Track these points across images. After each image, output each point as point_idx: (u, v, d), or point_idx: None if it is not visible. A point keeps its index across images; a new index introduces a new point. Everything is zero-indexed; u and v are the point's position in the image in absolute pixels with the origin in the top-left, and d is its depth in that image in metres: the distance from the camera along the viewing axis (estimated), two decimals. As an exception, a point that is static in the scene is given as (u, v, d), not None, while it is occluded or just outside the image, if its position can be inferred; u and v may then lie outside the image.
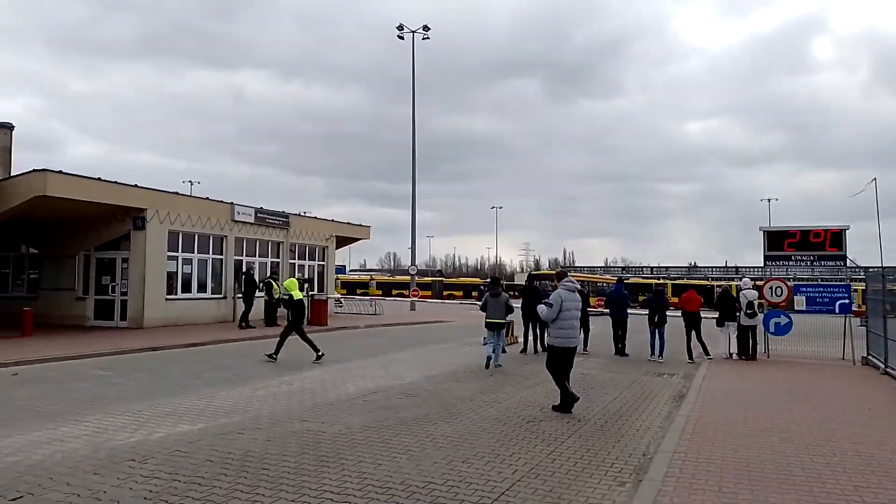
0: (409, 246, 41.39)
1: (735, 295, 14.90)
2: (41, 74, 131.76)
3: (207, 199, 20.74)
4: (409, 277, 43.02)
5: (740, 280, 16.50)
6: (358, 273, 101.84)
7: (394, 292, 67.90)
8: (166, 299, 18.73)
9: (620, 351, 15.35)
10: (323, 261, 26.57)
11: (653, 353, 14.76)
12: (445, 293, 73.00)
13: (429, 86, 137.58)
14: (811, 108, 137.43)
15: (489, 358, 12.49)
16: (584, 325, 15.88)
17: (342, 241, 28.97)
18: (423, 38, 40.43)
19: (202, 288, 20.35)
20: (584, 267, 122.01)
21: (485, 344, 15.84)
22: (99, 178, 16.73)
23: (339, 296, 43.50)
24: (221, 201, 21.07)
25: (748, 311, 14.24)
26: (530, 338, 15.81)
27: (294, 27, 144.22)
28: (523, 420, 7.78)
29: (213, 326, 19.07)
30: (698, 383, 10.84)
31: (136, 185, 17.97)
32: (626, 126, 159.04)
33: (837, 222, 15.77)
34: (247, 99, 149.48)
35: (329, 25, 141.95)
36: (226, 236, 21.03)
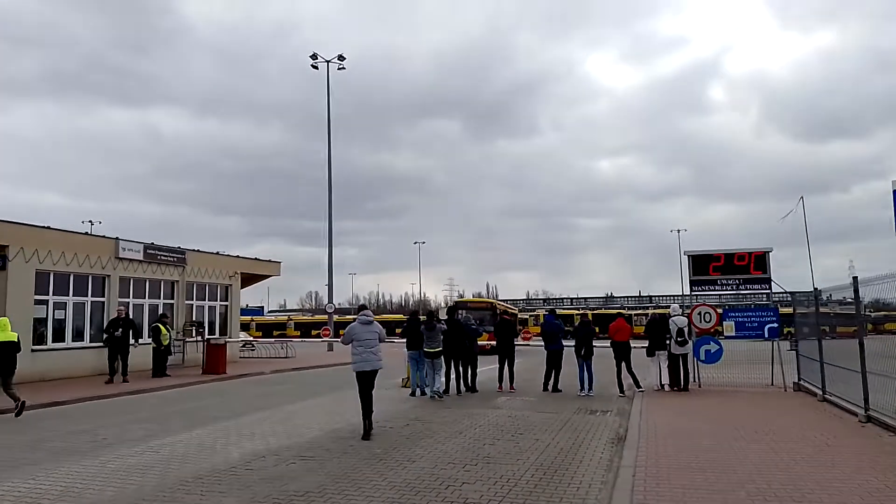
0: (328, 285, 39.42)
1: (663, 322, 14.14)
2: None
3: (87, 234, 18.43)
4: (325, 317, 40.93)
5: (655, 308, 15.51)
6: (277, 314, 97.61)
7: (313, 332, 65.01)
8: (32, 350, 16.12)
9: (553, 387, 14.20)
10: (226, 301, 24.29)
11: (582, 388, 13.72)
12: (367, 331, 70.51)
13: (353, 124, 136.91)
14: (709, 147, 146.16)
15: (417, 387, 13.62)
16: (509, 360, 14.69)
17: (249, 280, 26.78)
18: (339, 69, 39.34)
19: (79, 336, 17.77)
20: (507, 300, 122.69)
21: (404, 386, 14.46)
22: (-56, 211, 14.22)
23: (251, 339, 40.83)
24: (104, 237, 18.72)
25: (679, 339, 13.47)
26: (452, 377, 14.43)
27: (212, 64, 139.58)
28: (442, 485, 6.34)
29: (89, 380, 16.56)
30: (636, 421, 9.76)
31: (-6, 219, 15.52)
32: (543, 164, 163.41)
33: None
34: (162, 137, 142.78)
35: (248, 63, 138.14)
36: (108, 276, 18.60)
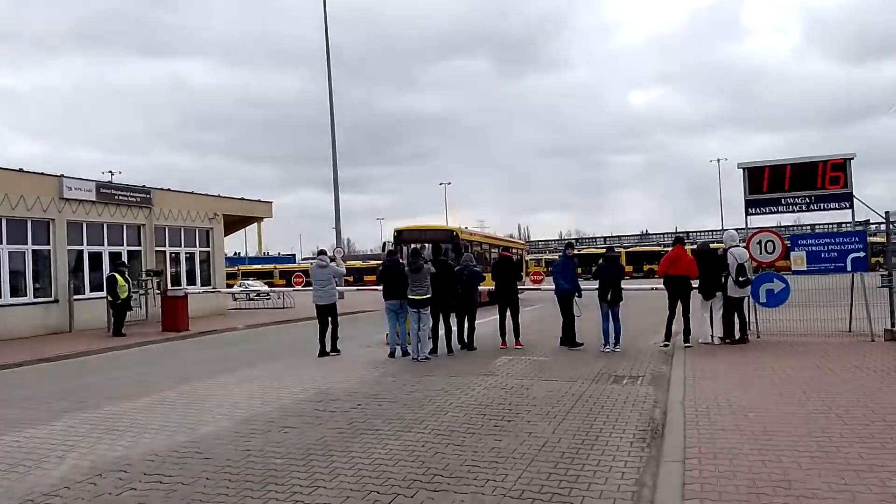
0: (335, 228, 36.69)
1: (717, 256, 10.89)
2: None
3: (21, 170, 15.68)
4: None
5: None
6: (310, 261, 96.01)
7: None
8: (-44, 308, 13.79)
9: (567, 340, 11.30)
10: (207, 246, 21.65)
11: (607, 343, 10.76)
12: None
13: (378, 68, 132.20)
14: (747, 74, 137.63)
15: (397, 346, 11.04)
16: (511, 309, 11.76)
17: (237, 223, 24.15)
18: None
19: (18, 290, 15.35)
20: (538, 241, 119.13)
21: (387, 343, 11.66)
22: None
23: (266, 288, 38.94)
24: (41, 174, 16.03)
25: (740, 278, 10.21)
26: (441, 332, 11.57)
27: (236, 13, 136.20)
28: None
29: (32, 341, 14.24)
30: (677, 398, 6.76)
31: None
32: (575, 100, 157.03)
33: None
34: (190, 87, 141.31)
35: (271, 11, 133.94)
36: (52, 219, 16.03)
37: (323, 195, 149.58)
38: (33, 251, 15.70)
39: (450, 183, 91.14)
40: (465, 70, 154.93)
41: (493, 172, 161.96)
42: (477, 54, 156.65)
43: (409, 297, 10.74)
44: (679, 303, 10.61)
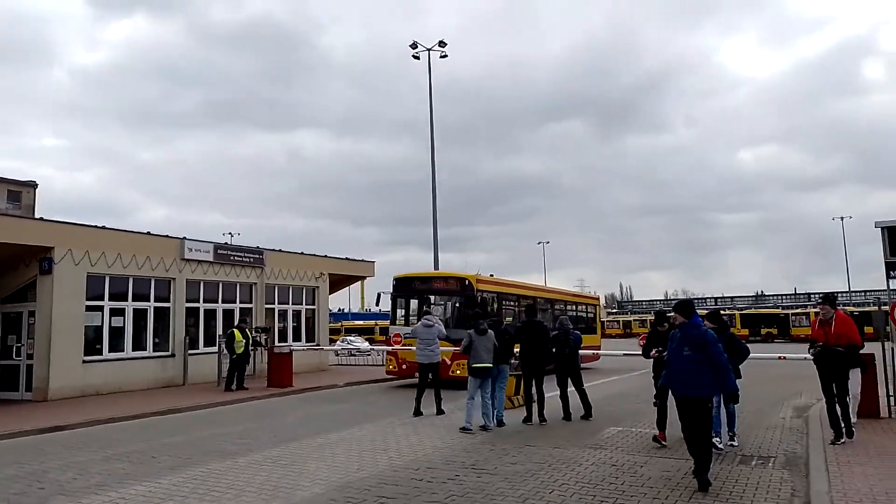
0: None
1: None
2: (115, 148, 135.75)
3: (148, 233, 16.87)
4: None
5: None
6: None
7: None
8: (84, 361, 14.72)
9: (701, 473, 8.54)
10: (313, 304, 22.27)
11: (721, 437, 8.20)
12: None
13: (480, 133, 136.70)
14: (869, 129, 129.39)
15: (466, 427, 9.83)
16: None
17: (341, 282, 24.74)
18: (441, 56, 36.79)
19: (139, 345, 16.27)
20: (642, 301, 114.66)
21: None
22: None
23: (369, 345, 39.46)
24: (167, 236, 17.15)
25: None
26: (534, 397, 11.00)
27: (348, 87, 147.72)
28: None
29: (147, 394, 14.96)
30: (822, 489, 5.87)
31: (40, 219, 14.31)
32: (677, 159, 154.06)
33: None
34: (305, 157, 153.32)
35: (380, 82, 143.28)
36: (174, 279, 17.04)
37: (424, 254, 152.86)
38: (155, 308, 16.70)
39: (548, 242, 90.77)
40: (564, 132, 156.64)
41: (594, 232, 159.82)
42: (576, 117, 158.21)
43: (472, 364, 10.15)
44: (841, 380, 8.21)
